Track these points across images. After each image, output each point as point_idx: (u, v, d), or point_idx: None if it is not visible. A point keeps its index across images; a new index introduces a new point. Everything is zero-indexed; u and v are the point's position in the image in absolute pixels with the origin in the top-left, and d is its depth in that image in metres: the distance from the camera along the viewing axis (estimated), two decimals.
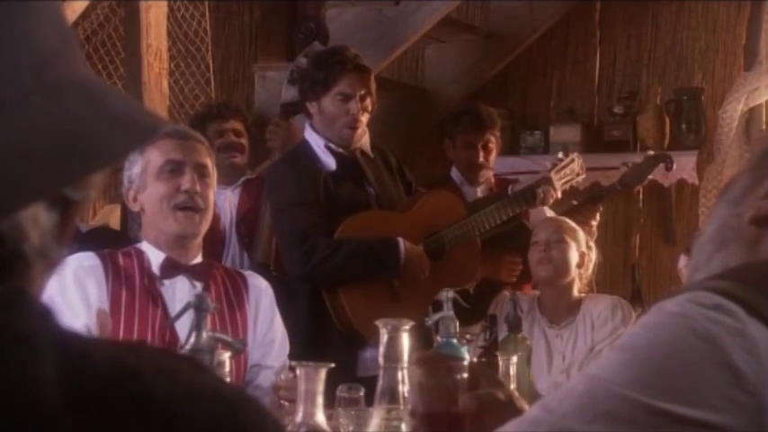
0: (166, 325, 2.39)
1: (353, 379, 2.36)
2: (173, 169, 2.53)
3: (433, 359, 1.46)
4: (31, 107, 0.63)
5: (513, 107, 5.46)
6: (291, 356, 2.59)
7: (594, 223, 3.90)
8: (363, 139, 3.50)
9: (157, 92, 4.20)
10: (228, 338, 2.14)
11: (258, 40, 5.36)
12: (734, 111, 5.02)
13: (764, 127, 5.04)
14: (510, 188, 3.94)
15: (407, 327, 1.68)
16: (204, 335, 1.99)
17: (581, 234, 3.55)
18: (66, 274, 2.43)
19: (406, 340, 1.65)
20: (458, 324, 2.29)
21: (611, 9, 5.51)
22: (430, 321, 2.31)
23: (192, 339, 1.99)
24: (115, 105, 0.68)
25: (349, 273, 3.35)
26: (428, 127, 5.46)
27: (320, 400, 1.71)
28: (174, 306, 2.41)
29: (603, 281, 3.94)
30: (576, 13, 5.51)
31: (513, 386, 1.97)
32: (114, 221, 4.33)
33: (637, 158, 4.13)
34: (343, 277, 3.35)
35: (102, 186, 2.54)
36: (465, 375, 1.38)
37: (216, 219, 3.53)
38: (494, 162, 4.16)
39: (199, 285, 2.53)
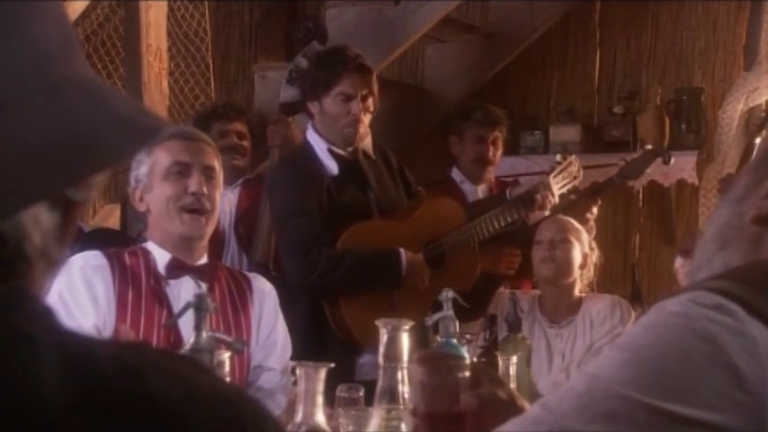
0: (169, 324, 2.39)
1: (351, 382, 2.36)
2: (180, 171, 2.53)
3: (434, 358, 1.46)
4: (33, 107, 0.63)
5: (513, 107, 5.45)
6: (290, 358, 2.59)
7: (590, 216, 3.89)
8: (366, 141, 3.48)
9: (157, 92, 4.20)
10: (228, 338, 2.14)
11: (258, 40, 5.37)
12: (734, 111, 5.02)
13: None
14: (508, 192, 3.94)
15: (407, 327, 1.68)
16: (204, 335, 1.99)
17: (585, 235, 3.55)
18: (73, 272, 2.43)
19: (405, 340, 1.66)
20: (457, 324, 2.29)
21: (611, 9, 5.51)
22: (430, 321, 2.31)
23: (192, 339, 1.99)
24: (117, 106, 0.69)
25: (351, 285, 3.33)
26: (428, 127, 5.46)
27: (320, 399, 1.71)
28: (179, 306, 2.41)
29: (603, 281, 3.94)
30: (575, 13, 5.51)
31: (513, 386, 1.97)
32: (114, 221, 4.33)
33: (635, 156, 4.14)
34: (346, 289, 3.34)
35: (102, 187, 2.54)
36: (467, 374, 1.38)
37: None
38: (499, 160, 4.18)
39: (204, 286, 2.53)
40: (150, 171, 2.54)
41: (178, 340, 2.38)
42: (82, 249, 2.55)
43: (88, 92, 0.68)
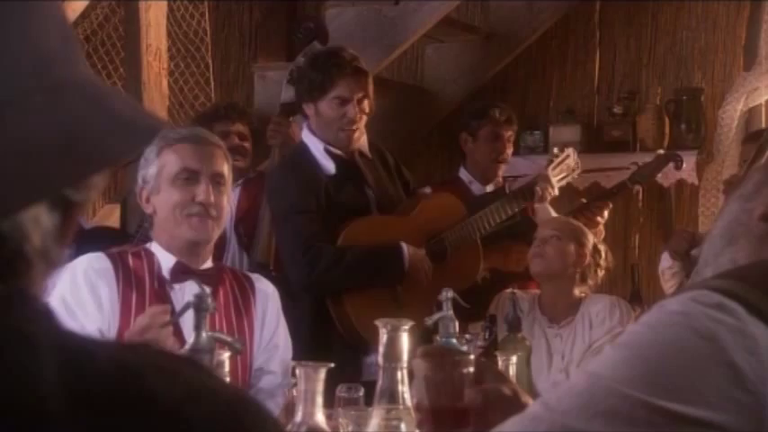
0: (170, 322, 2.38)
1: (359, 382, 2.35)
2: (188, 177, 2.51)
3: (439, 353, 1.46)
4: (33, 108, 0.63)
5: (513, 107, 5.43)
6: (294, 359, 2.59)
7: (601, 220, 3.90)
8: (362, 140, 3.49)
9: (157, 92, 4.20)
10: (228, 338, 2.14)
11: (258, 39, 5.37)
12: (733, 111, 5.02)
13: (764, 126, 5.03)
14: (507, 186, 3.95)
15: (407, 327, 1.68)
16: (204, 335, 1.99)
17: (586, 235, 3.55)
18: (77, 275, 2.42)
19: (405, 340, 1.65)
20: (457, 324, 2.29)
21: (610, 9, 5.51)
22: (430, 321, 2.31)
23: (192, 339, 1.99)
24: (116, 106, 0.69)
25: (354, 281, 3.32)
26: (428, 127, 5.47)
27: (320, 400, 1.71)
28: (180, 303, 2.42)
29: (603, 281, 3.94)
30: (575, 13, 5.51)
31: None
32: (114, 221, 4.34)
33: (637, 159, 4.16)
34: (348, 285, 3.32)
35: (102, 186, 2.53)
36: (471, 369, 1.38)
37: None
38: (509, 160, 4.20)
39: (208, 290, 2.53)
40: (158, 173, 2.52)
41: (180, 341, 2.37)
42: (81, 248, 2.54)
43: (87, 92, 0.68)
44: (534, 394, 2.33)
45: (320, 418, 1.71)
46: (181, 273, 2.51)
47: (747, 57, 5.16)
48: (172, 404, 0.63)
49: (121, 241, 3.18)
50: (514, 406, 1.28)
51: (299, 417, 1.70)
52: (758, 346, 0.91)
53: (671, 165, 4.10)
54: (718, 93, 5.23)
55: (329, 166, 3.41)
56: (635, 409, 0.90)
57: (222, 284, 2.58)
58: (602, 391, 0.92)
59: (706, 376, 0.90)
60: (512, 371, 2.21)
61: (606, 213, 3.94)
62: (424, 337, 1.94)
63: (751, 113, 5.09)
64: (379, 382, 1.63)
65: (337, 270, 3.29)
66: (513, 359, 2.23)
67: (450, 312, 2.30)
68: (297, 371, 1.72)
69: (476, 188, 4.10)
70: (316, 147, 3.44)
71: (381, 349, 1.64)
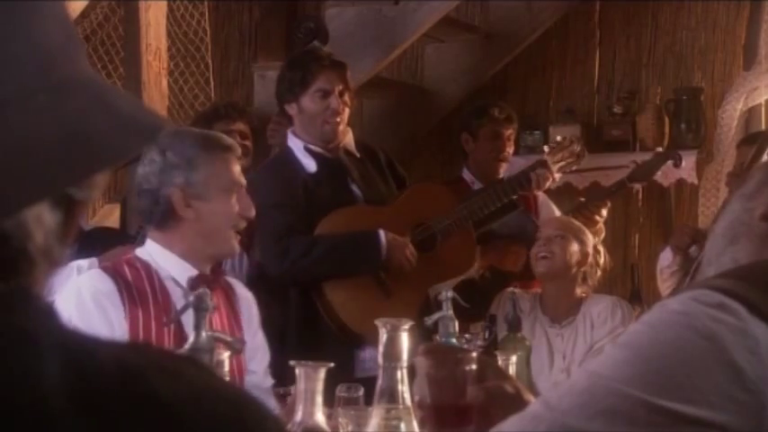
0: (170, 320, 2.37)
1: (351, 380, 2.35)
2: (232, 189, 2.51)
3: (441, 350, 1.46)
4: (35, 106, 0.63)
5: (513, 106, 5.43)
6: (289, 358, 2.59)
7: (599, 219, 3.88)
8: (347, 138, 3.49)
9: (157, 91, 4.20)
10: (228, 338, 2.14)
11: (258, 39, 5.36)
12: (733, 110, 5.02)
13: (763, 126, 5.03)
14: (504, 175, 3.95)
15: (407, 326, 1.68)
16: (203, 334, 1.99)
17: (587, 235, 3.55)
18: (85, 300, 2.37)
19: (405, 339, 1.65)
20: (457, 323, 2.29)
21: (610, 9, 5.51)
22: (429, 321, 2.31)
23: (192, 339, 1.99)
24: (119, 104, 0.69)
25: (327, 269, 3.32)
26: (428, 126, 5.46)
27: (319, 399, 1.71)
28: (190, 319, 2.39)
29: (603, 281, 3.94)
30: (575, 12, 5.51)
31: None
32: (114, 221, 4.33)
33: (637, 158, 4.15)
34: (322, 274, 3.32)
35: (103, 185, 2.51)
36: (473, 367, 1.38)
37: None
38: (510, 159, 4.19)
39: (208, 292, 2.52)
40: (207, 180, 2.47)
41: (183, 341, 2.36)
42: (81, 248, 2.52)
43: (90, 90, 0.68)
44: (535, 394, 2.33)
45: (320, 417, 1.71)
46: (201, 283, 2.43)
47: (747, 56, 5.16)
48: (174, 404, 0.63)
49: (122, 243, 3.17)
50: (517, 403, 1.28)
51: (298, 416, 1.70)
52: (759, 346, 0.91)
53: (670, 163, 4.09)
54: (718, 92, 5.23)
55: (310, 164, 3.43)
56: (635, 408, 0.90)
57: (221, 287, 2.58)
58: (602, 391, 0.92)
59: (706, 376, 0.90)
60: (512, 370, 2.21)
61: (605, 212, 3.92)
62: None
63: (751, 113, 5.09)
64: (379, 382, 1.63)
65: (308, 259, 3.29)
66: (513, 359, 2.23)
67: (450, 312, 2.30)
68: (296, 370, 1.72)
69: (478, 188, 4.09)
70: (297, 147, 3.46)
71: (381, 348, 1.64)
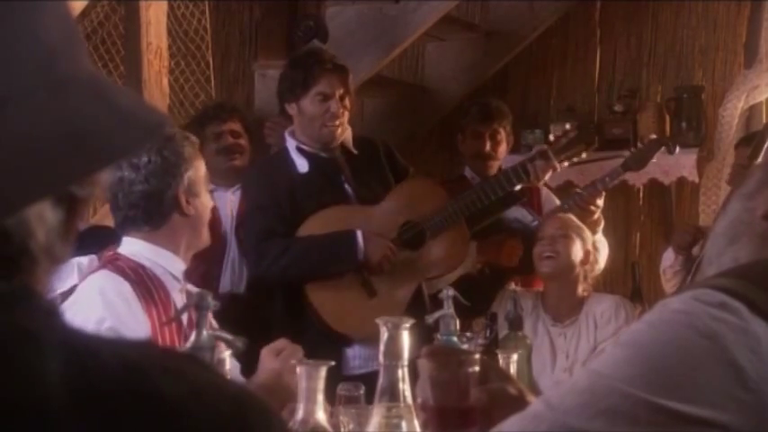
0: (172, 319, 2.37)
1: (339, 379, 2.35)
2: (206, 182, 2.63)
3: (444, 352, 1.46)
4: (37, 103, 0.63)
5: (514, 105, 5.43)
6: None
7: (595, 209, 3.81)
8: (345, 135, 3.49)
9: (157, 90, 4.19)
10: (229, 336, 2.14)
11: (258, 38, 5.35)
12: (734, 109, 5.02)
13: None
14: (501, 167, 3.94)
15: (408, 324, 1.68)
16: (204, 333, 1.98)
17: (587, 233, 3.54)
18: (111, 298, 2.38)
19: (406, 338, 1.65)
20: (457, 322, 2.29)
21: (611, 7, 5.51)
22: (430, 319, 2.31)
23: (193, 337, 1.99)
24: (120, 102, 0.68)
25: (303, 270, 3.32)
26: (428, 125, 5.46)
27: (320, 398, 1.71)
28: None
29: (604, 280, 3.94)
30: (576, 11, 5.51)
31: None
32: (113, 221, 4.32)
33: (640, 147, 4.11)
34: (298, 275, 3.33)
35: (105, 183, 2.51)
36: (476, 369, 1.38)
37: (217, 222, 3.53)
38: (503, 155, 4.14)
39: (195, 289, 2.52)
40: (198, 176, 2.55)
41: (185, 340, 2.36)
42: (78, 247, 2.51)
43: (91, 88, 0.68)
44: (537, 393, 2.33)
45: (321, 416, 1.70)
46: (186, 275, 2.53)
47: (748, 55, 5.16)
48: (176, 401, 0.63)
49: (118, 241, 3.16)
50: (520, 405, 1.28)
51: (299, 415, 1.70)
52: (760, 345, 0.91)
53: (665, 153, 4.05)
54: (719, 91, 5.23)
55: (302, 163, 3.43)
56: (636, 407, 0.90)
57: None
58: (603, 390, 0.92)
59: (708, 375, 0.90)
60: (512, 369, 2.20)
61: (600, 202, 3.85)
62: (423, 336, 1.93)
63: (751, 111, 5.08)
64: (380, 380, 1.63)
65: (283, 260, 3.30)
66: (514, 357, 2.22)
67: (451, 310, 2.29)
68: (298, 369, 1.72)
69: None
70: (291, 146, 3.46)
71: (382, 347, 1.64)
